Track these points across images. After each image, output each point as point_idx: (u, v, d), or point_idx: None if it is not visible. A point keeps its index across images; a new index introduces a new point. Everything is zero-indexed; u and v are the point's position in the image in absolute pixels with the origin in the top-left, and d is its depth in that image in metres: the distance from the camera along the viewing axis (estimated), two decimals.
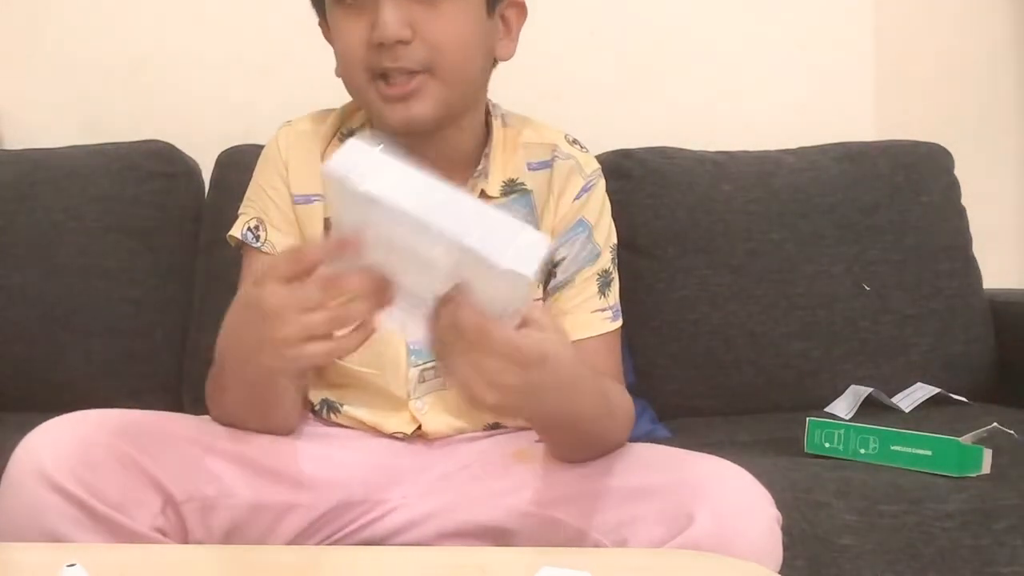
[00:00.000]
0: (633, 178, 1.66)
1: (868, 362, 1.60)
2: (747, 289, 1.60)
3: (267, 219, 1.03)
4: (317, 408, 1.05)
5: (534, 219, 1.03)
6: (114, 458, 0.85)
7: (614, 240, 1.07)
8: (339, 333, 0.75)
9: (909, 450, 1.21)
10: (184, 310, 1.65)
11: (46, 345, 1.58)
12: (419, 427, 1.01)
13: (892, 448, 1.22)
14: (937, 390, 1.55)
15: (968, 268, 1.68)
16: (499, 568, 0.80)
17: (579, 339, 0.99)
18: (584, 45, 1.91)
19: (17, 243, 1.61)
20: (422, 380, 1.01)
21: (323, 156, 1.03)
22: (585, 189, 1.04)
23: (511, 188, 1.03)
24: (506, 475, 0.95)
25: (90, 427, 0.89)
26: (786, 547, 0.95)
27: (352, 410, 1.02)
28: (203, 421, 0.97)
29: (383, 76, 0.93)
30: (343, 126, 1.05)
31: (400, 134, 0.93)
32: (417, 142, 0.94)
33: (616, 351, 1.05)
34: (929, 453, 1.20)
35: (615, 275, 1.06)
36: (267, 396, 0.93)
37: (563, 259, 1.03)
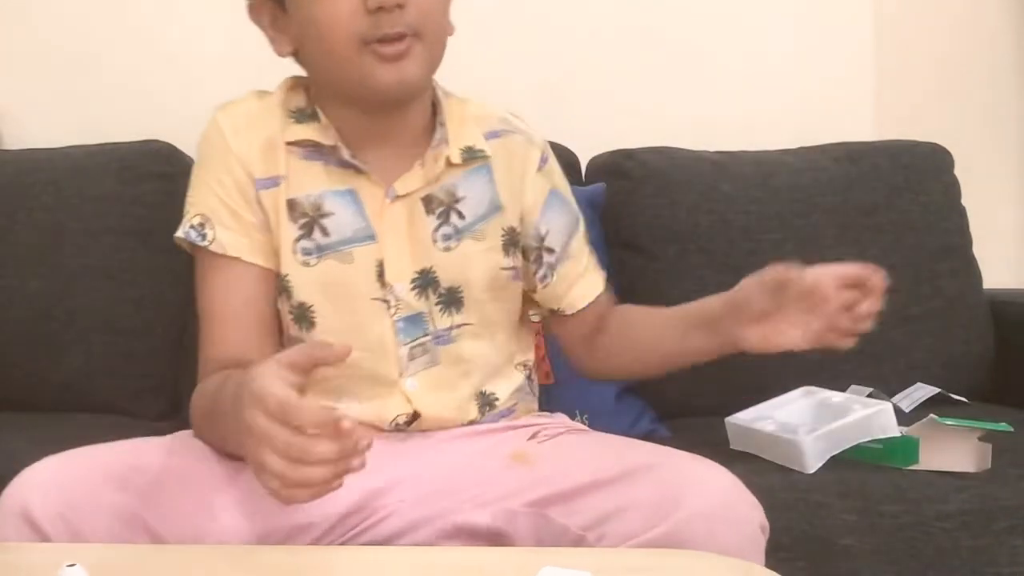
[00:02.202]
0: (633, 178, 1.66)
1: (868, 362, 1.59)
2: None
3: (213, 216, 1.00)
4: None
5: (492, 190, 1.04)
6: (103, 503, 0.84)
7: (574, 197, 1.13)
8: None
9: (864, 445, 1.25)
10: (184, 310, 1.65)
11: (46, 345, 1.59)
12: (415, 414, 1.01)
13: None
14: (937, 390, 1.55)
15: (968, 268, 1.68)
16: (499, 568, 0.80)
17: (591, 300, 1.11)
18: (585, 45, 1.91)
19: (17, 243, 1.61)
20: (412, 358, 1.01)
21: (283, 134, 1.01)
22: (543, 160, 1.08)
23: (471, 155, 1.03)
24: (502, 477, 0.95)
25: (81, 469, 0.86)
26: (786, 547, 0.96)
27: (347, 408, 0.97)
28: (196, 446, 0.94)
29: (379, 40, 0.93)
30: (289, 105, 1.03)
31: (384, 102, 0.98)
32: (375, 116, 1.00)
33: (609, 292, 1.15)
34: (881, 447, 1.24)
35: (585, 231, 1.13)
36: None
37: (547, 232, 1.08)
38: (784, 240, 1.62)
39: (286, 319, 1.03)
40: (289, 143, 1.01)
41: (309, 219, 1.00)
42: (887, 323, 1.64)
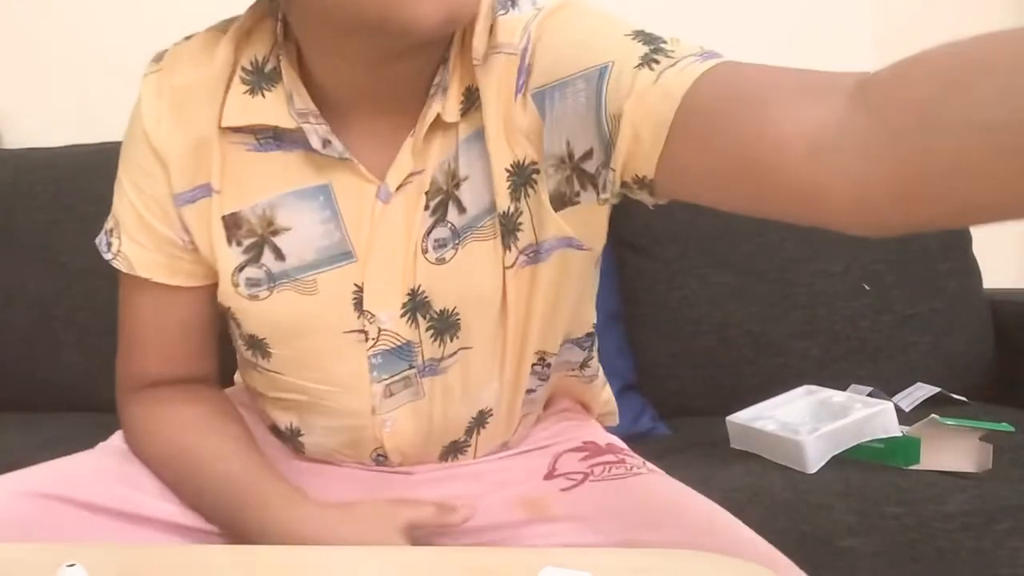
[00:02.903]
0: None
1: (868, 362, 1.60)
2: (747, 289, 1.60)
3: (122, 222, 0.79)
4: (284, 431, 0.89)
5: (486, 160, 0.75)
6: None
7: (621, 32, 0.71)
8: None
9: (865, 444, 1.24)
10: None
11: (46, 345, 1.58)
12: (384, 456, 0.86)
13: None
14: (937, 390, 1.55)
15: (968, 268, 1.68)
16: (500, 568, 0.80)
17: (685, 94, 0.62)
18: None
19: (17, 243, 1.61)
20: (389, 394, 0.82)
21: (221, 111, 0.74)
22: (522, 71, 0.72)
23: (469, 100, 0.75)
24: (510, 532, 0.82)
25: (10, 494, 0.77)
26: (786, 548, 0.95)
27: (315, 440, 0.87)
28: (140, 479, 0.83)
29: None
30: (242, 58, 0.75)
31: (410, 43, 0.69)
32: (395, 65, 0.72)
33: (761, 70, 0.62)
34: (882, 447, 1.23)
35: (662, 44, 0.68)
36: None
37: (569, 139, 0.71)
38: (784, 240, 1.62)
39: (236, 342, 0.87)
40: (229, 128, 0.74)
41: (257, 239, 0.77)
42: (887, 323, 1.65)
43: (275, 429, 0.91)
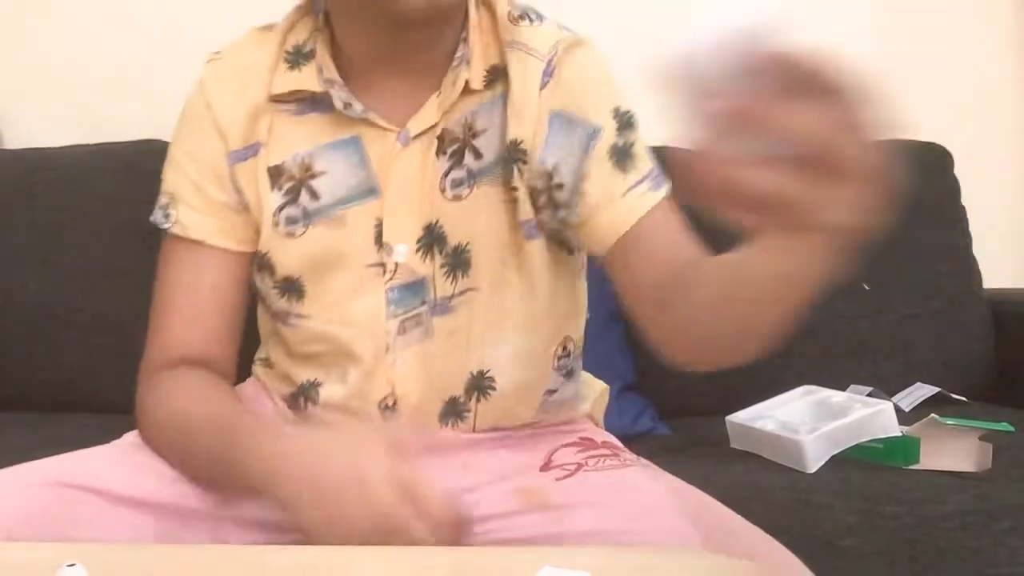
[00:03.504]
0: None
1: (868, 362, 1.60)
2: None
3: (179, 196, 0.91)
4: (296, 394, 0.94)
5: (504, 121, 0.87)
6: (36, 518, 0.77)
7: (615, 103, 0.89)
8: None
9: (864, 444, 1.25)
10: None
11: (46, 345, 1.59)
12: (394, 400, 0.90)
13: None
14: (937, 390, 1.55)
15: (968, 268, 1.68)
16: (499, 568, 0.80)
17: (628, 230, 0.85)
18: None
19: (17, 243, 1.61)
20: (402, 331, 0.89)
21: (270, 88, 0.89)
22: (547, 74, 0.88)
23: (494, 76, 0.89)
24: (508, 523, 0.84)
25: (30, 486, 0.79)
26: (786, 547, 0.95)
27: (327, 392, 0.92)
28: (149, 463, 0.86)
29: None
30: (287, 44, 0.91)
31: (406, 23, 0.83)
32: (397, 38, 0.86)
33: (675, 220, 0.87)
34: (882, 447, 1.23)
35: (634, 138, 0.88)
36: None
37: (555, 165, 0.87)
38: None
39: (270, 295, 0.93)
40: (275, 97, 0.89)
41: (295, 183, 0.90)
42: (887, 323, 1.66)
43: (291, 397, 0.96)
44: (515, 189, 0.88)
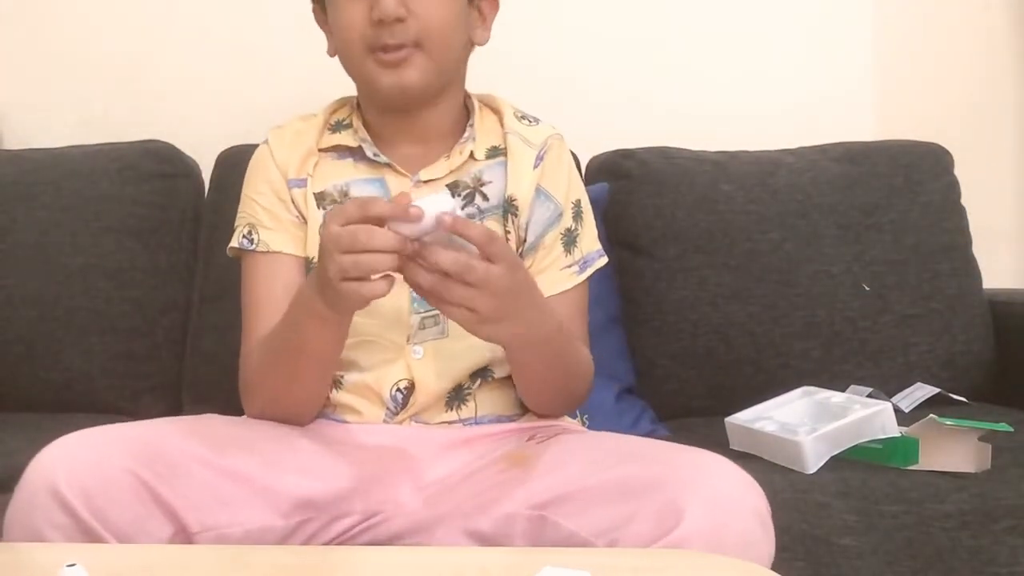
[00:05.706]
0: (633, 178, 1.66)
1: (868, 362, 1.60)
2: (747, 289, 1.60)
3: (257, 223, 1.13)
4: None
5: (504, 180, 1.12)
6: (129, 484, 0.86)
7: (576, 196, 1.15)
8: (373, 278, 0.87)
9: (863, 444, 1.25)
10: (184, 310, 1.65)
11: (46, 345, 1.59)
12: (414, 384, 1.06)
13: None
14: (937, 390, 1.55)
15: (968, 268, 1.68)
16: (500, 568, 0.81)
17: (549, 296, 1.07)
18: (584, 45, 1.91)
19: (17, 243, 1.61)
20: (422, 327, 1.07)
21: (318, 144, 1.14)
22: (539, 158, 1.13)
23: (495, 153, 1.14)
24: (499, 480, 0.96)
25: (108, 447, 0.88)
26: (786, 547, 0.96)
27: (352, 378, 1.08)
28: (209, 428, 0.99)
29: (381, 48, 1.05)
30: (331, 119, 1.17)
31: (391, 103, 1.09)
32: (401, 118, 1.11)
33: (581, 308, 1.14)
34: (881, 447, 1.23)
35: (580, 229, 1.14)
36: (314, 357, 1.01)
37: (528, 224, 1.12)
38: (784, 240, 1.62)
39: None
40: (322, 149, 1.14)
41: (335, 203, 1.11)
42: (887, 323, 1.66)
43: None
44: (508, 232, 1.11)
